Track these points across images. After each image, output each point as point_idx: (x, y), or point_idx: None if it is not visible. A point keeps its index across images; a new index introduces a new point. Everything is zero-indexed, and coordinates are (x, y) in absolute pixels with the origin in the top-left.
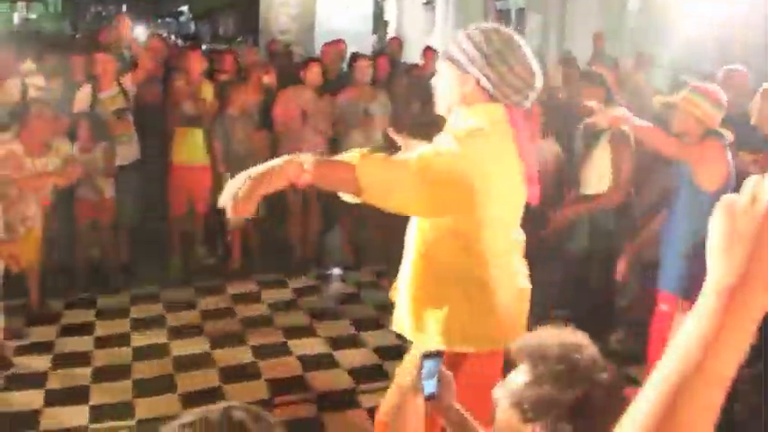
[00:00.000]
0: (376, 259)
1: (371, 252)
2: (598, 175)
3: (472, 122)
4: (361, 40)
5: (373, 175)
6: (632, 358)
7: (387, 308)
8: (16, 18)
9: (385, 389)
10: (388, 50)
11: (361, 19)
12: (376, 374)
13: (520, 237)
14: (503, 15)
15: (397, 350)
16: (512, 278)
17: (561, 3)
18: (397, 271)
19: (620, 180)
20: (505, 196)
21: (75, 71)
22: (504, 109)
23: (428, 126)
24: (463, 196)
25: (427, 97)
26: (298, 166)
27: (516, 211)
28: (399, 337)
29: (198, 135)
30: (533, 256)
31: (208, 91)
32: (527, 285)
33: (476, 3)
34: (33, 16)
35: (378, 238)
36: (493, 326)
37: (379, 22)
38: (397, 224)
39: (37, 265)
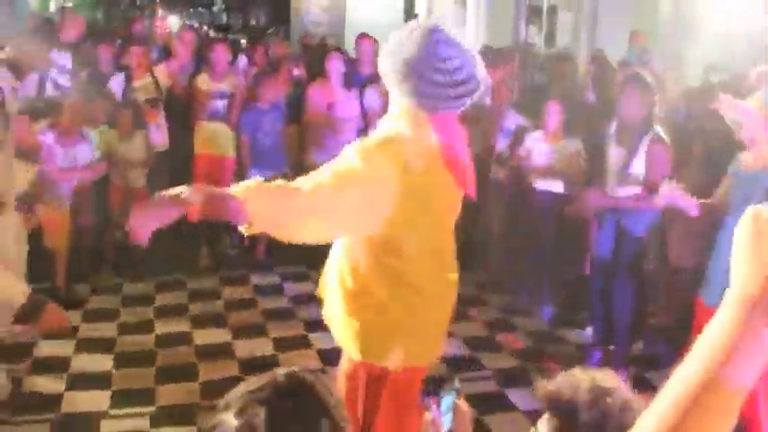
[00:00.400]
0: None
1: None
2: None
3: (393, 128)
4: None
5: (261, 205)
6: (652, 362)
7: None
8: (53, 6)
9: None
10: None
11: (391, 12)
12: None
13: (448, 245)
14: (534, 12)
15: None
16: (433, 291)
17: (594, 0)
18: None
19: (652, 183)
20: (425, 202)
21: (107, 60)
22: (425, 114)
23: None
24: (363, 216)
25: None
26: (183, 202)
27: (442, 217)
28: None
29: (222, 127)
30: (560, 257)
31: (233, 82)
32: (450, 299)
33: None
34: (69, 4)
35: None
36: (409, 342)
37: (410, 16)
38: None
39: (65, 249)
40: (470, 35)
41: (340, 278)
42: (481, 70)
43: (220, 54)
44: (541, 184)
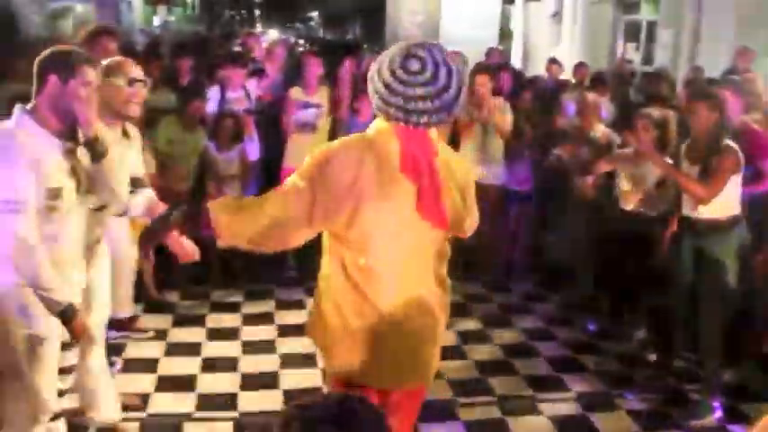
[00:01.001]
0: (485, 271)
1: (482, 264)
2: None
3: (364, 133)
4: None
5: (224, 220)
6: (748, 393)
7: (493, 322)
8: (156, 20)
9: (484, 404)
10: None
11: (486, 28)
12: (476, 388)
13: (420, 263)
14: (632, 28)
15: (502, 366)
16: (394, 310)
17: (696, 16)
18: (505, 287)
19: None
20: (379, 202)
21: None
22: (389, 125)
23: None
24: (314, 217)
25: (548, 109)
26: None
27: (402, 228)
28: (505, 352)
29: (312, 140)
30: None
31: (324, 96)
32: (418, 322)
33: (605, 15)
34: (172, 18)
35: (486, 250)
36: (361, 363)
37: (505, 33)
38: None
39: (153, 256)
40: (565, 52)
41: (320, 289)
42: (455, 90)
43: (312, 67)
44: (624, 204)
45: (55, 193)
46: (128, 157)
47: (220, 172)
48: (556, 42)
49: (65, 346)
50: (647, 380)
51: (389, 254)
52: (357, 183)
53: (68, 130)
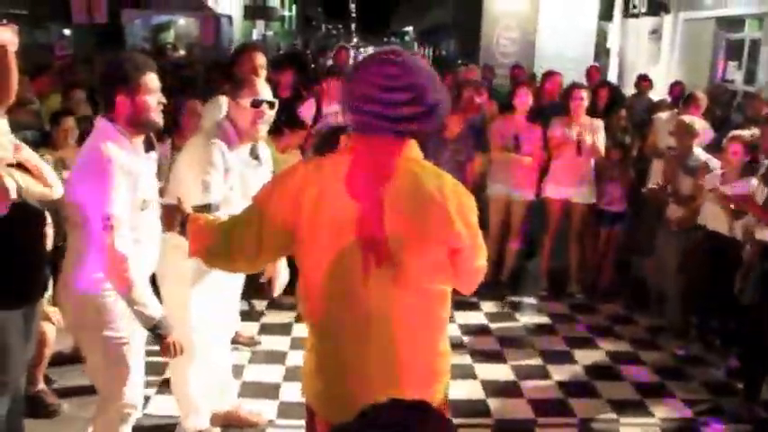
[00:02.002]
0: (572, 291)
1: (568, 284)
2: None
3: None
4: (581, 66)
5: (193, 235)
6: None
7: (578, 343)
8: (255, 34)
9: (564, 425)
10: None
11: (582, 45)
12: (557, 409)
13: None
14: (733, 47)
15: (584, 387)
16: (336, 335)
17: None
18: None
19: None
20: (315, 220)
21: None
22: (356, 134)
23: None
24: (267, 243)
25: (639, 128)
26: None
27: (338, 242)
28: (588, 374)
29: None
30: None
31: None
32: (365, 352)
33: (705, 33)
34: (270, 33)
35: (574, 270)
36: (317, 389)
37: (602, 50)
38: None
39: None
40: (663, 70)
41: None
42: (434, 98)
43: None
44: (711, 224)
45: (147, 205)
46: (251, 178)
47: None
48: (654, 60)
49: None
50: (735, 409)
51: (329, 271)
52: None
53: (147, 139)
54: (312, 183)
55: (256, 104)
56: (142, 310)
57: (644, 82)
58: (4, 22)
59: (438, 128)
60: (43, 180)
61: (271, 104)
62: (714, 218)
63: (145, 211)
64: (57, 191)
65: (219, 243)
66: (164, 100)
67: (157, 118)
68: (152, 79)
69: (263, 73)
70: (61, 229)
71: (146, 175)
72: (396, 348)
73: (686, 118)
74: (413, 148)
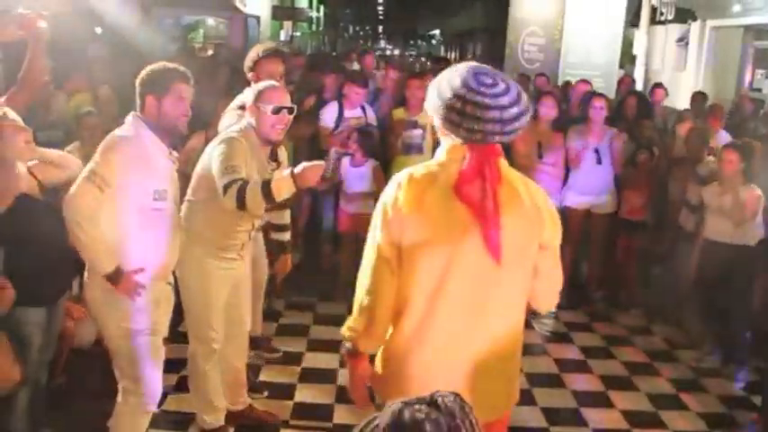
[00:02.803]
0: (589, 300)
1: (585, 293)
2: None
3: (437, 158)
4: (608, 74)
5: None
6: None
7: (593, 352)
8: (282, 35)
9: None
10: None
11: (608, 52)
12: (571, 418)
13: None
14: (762, 55)
15: (599, 398)
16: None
17: None
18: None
19: None
20: (430, 238)
21: (326, 89)
22: (454, 147)
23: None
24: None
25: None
26: None
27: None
28: (604, 384)
29: (419, 160)
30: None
31: (426, 119)
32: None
33: (733, 41)
34: (297, 34)
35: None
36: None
37: (628, 58)
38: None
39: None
40: (690, 78)
41: None
42: (525, 102)
43: (416, 90)
44: (713, 234)
45: (161, 195)
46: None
47: (352, 188)
48: (681, 68)
49: None
50: (750, 424)
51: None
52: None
53: (171, 140)
54: (412, 198)
55: (277, 111)
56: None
57: (658, 89)
58: (45, 13)
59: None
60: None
61: (290, 110)
62: (715, 228)
63: (158, 203)
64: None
65: (381, 319)
66: (189, 112)
67: (181, 126)
68: (183, 90)
69: (281, 80)
70: None
71: (163, 168)
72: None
73: (699, 126)
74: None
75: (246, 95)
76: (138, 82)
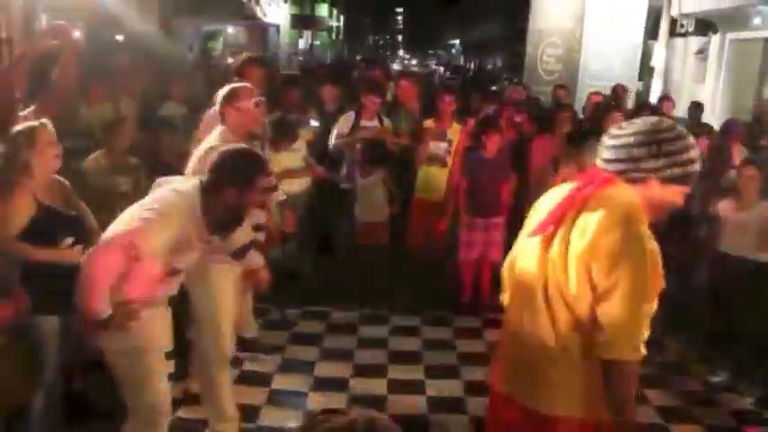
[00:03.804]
0: None
1: None
2: None
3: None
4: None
5: None
6: None
7: None
8: (301, 43)
9: None
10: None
11: (627, 64)
12: None
13: None
14: None
15: None
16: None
17: None
18: None
19: None
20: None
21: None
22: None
23: None
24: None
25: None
26: None
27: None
28: None
29: (441, 173)
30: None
31: (456, 132)
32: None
33: (753, 54)
34: (317, 42)
35: None
36: None
37: (646, 69)
38: None
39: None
40: (709, 91)
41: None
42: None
43: (446, 105)
44: (728, 248)
45: (175, 271)
46: None
47: (365, 198)
48: (700, 81)
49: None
50: None
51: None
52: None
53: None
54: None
55: (257, 104)
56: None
57: (666, 102)
58: (79, 24)
59: None
60: None
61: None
62: (734, 242)
63: (169, 277)
64: None
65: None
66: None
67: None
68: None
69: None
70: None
71: (194, 251)
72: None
73: (718, 144)
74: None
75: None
76: (217, 164)
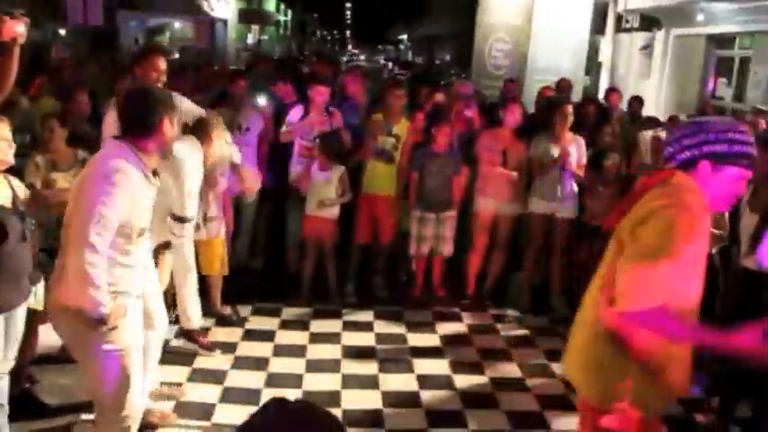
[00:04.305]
0: (553, 305)
1: (553, 297)
2: None
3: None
4: (574, 80)
5: None
6: None
7: (558, 355)
8: (249, 38)
9: None
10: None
11: (574, 58)
12: (534, 422)
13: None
14: (724, 64)
15: (561, 399)
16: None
17: None
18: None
19: None
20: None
21: (288, 94)
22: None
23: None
24: None
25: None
26: None
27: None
28: (567, 386)
29: (389, 168)
30: None
31: (404, 127)
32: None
33: (696, 50)
34: (265, 37)
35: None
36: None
37: (593, 64)
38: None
39: (220, 273)
40: (654, 86)
41: None
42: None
43: (396, 100)
44: None
45: (142, 232)
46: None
47: (317, 194)
48: (645, 76)
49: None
50: (709, 427)
51: None
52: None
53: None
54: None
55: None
56: (94, 305)
57: (614, 93)
58: (19, 13)
59: None
60: None
61: None
62: None
63: (140, 238)
64: None
65: None
66: None
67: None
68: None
69: (164, 78)
70: (49, 234)
71: (146, 202)
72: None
73: (663, 135)
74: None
75: None
76: (139, 104)
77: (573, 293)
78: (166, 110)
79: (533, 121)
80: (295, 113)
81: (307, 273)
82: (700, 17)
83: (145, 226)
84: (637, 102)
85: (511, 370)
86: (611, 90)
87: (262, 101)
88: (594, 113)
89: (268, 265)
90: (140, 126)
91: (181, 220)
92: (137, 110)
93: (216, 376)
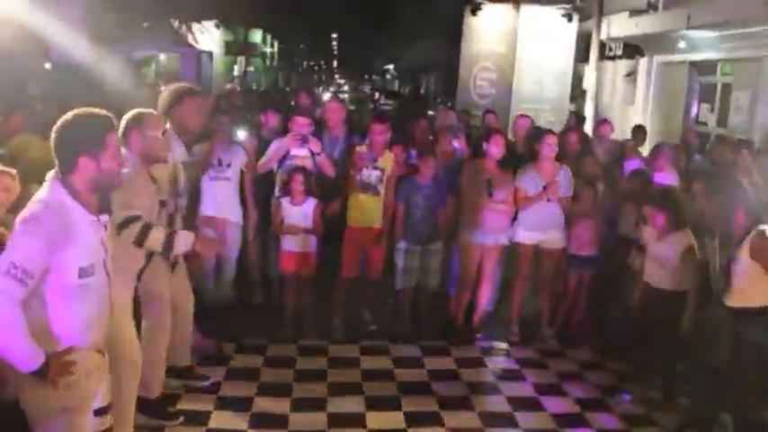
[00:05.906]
0: (542, 337)
1: (541, 329)
2: None
3: None
4: (558, 108)
5: None
6: None
7: (547, 389)
8: (236, 70)
9: None
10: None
11: (559, 87)
12: None
13: None
14: (706, 90)
15: None
16: None
17: None
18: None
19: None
20: None
21: (272, 126)
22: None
23: None
24: None
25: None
26: None
27: None
28: (556, 422)
29: (374, 200)
30: None
31: (388, 160)
32: None
33: (679, 76)
34: (251, 68)
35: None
36: None
37: (578, 92)
38: None
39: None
40: (639, 112)
41: None
42: None
43: (378, 135)
44: (648, 277)
45: (87, 272)
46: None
47: (295, 225)
48: (630, 102)
49: None
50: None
51: None
52: None
53: (102, 201)
54: None
55: (164, 132)
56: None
57: (604, 125)
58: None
59: None
60: None
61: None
62: (652, 273)
63: (84, 279)
64: None
65: None
66: (124, 160)
67: (119, 179)
68: (116, 139)
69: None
70: None
71: (89, 240)
72: None
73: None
74: None
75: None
76: (58, 141)
77: (562, 325)
78: (86, 147)
79: (513, 151)
80: (275, 145)
81: (289, 308)
82: (681, 44)
83: (89, 264)
84: (639, 130)
85: (499, 404)
86: (604, 121)
87: (242, 135)
88: (577, 143)
89: (253, 300)
90: (60, 164)
91: None
92: (56, 146)
93: (199, 418)
